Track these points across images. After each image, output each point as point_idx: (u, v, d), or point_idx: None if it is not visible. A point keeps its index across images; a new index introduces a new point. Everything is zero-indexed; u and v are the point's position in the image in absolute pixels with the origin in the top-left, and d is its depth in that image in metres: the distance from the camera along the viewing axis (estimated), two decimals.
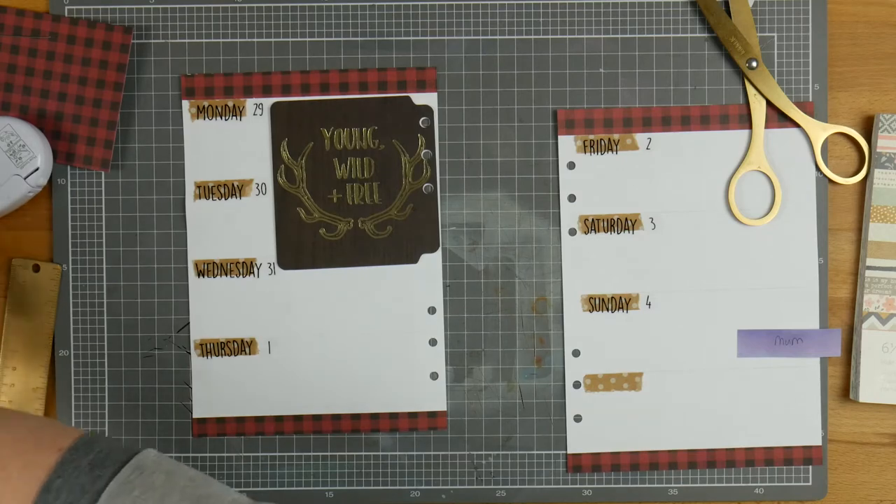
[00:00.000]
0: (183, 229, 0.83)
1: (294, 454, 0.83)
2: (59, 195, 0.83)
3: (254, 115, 0.83)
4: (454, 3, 0.83)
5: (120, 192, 0.83)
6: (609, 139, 0.83)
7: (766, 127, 0.83)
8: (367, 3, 0.83)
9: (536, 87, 0.83)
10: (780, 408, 0.83)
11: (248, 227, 0.83)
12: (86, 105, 0.82)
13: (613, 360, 0.83)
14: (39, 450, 0.58)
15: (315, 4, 0.83)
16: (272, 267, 0.83)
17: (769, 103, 0.83)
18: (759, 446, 0.83)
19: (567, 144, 0.83)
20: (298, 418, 0.83)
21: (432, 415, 0.83)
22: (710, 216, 0.83)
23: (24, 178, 0.79)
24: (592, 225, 0.83)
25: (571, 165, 0.83)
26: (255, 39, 0.83)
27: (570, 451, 0.83)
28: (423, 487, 0.84)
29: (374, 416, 0.83)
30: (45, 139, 0.80)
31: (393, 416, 0.83)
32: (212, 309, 0.83)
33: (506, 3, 0.83)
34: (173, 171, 0.83)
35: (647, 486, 0.83)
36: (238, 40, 0.83)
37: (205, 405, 0.83)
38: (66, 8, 0.82)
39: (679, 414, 0.83)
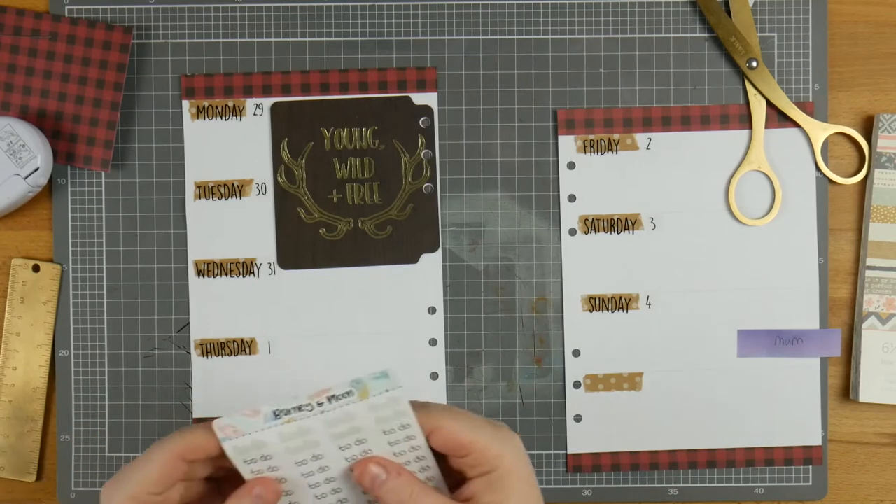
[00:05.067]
0: (183, 229, 0.83)
1: None
2: (59, 195, 0.83)
3: (254, 115, 0.83)
4: (454, 3, 0.83)
5: (120, 192, 0.83)
6: (609, 139, 0.83)
7: (766, 127, 0.83)
8: (367, 3, 0.83)
9: (536, 87, 0.83)
10: (779, 408, 0.83)
11: (248, 227, 0.83)
12: (86, 105, 0.82)
13: (613, 360, 0.83)
14: None
15: (315, 4, 0.83)
16: (272, 267, 0.83)
17: (769, 103, 0.83)
18: (759, 446, 0.83)
19: (567, 144, 0.83)
20: None
21: None
22: (710, 216, 0.83)
23: (24, 178, 0.79)
24: (592, 225, 0.83)
25: (571, 165, 0.83)
26: (255, 39, 0.83)
27: (570, 451, 0.83)
28: None
29: None
30: (45, 139, 0.80)
31: None
32: (212, 309, 0.83)
33: (506, 3, 0.83)
34: (173, 171, 0.83)
35: (647, 486, 0.83)
36: (238, 40, 0.83)
37: (205, 405, 0.83)
38: (66, 8, 0.82)
39: (679, 414, 0.83)
